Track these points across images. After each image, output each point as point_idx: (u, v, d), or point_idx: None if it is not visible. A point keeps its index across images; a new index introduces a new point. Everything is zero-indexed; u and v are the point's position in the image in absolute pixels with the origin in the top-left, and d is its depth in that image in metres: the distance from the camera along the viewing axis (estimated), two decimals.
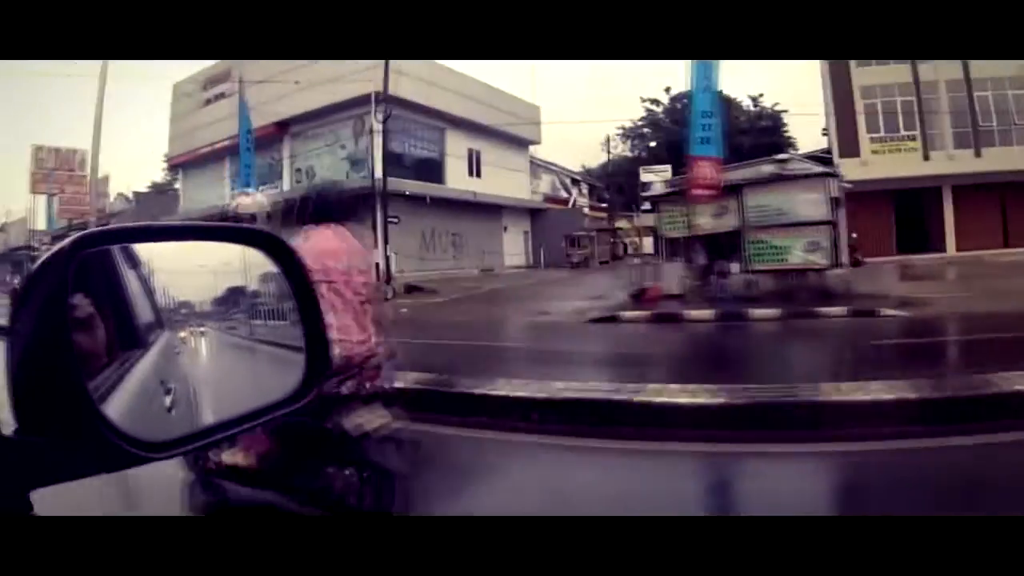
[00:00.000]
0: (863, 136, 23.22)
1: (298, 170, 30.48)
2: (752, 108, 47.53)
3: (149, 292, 0.94)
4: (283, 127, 29.66)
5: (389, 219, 20.68)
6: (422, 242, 27.23)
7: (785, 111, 45.53)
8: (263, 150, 30.82)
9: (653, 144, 45.34)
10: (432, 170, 29.14)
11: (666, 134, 46.23)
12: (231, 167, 32.34)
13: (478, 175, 31.82)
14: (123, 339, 0.88)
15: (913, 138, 23.33)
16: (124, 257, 0.90)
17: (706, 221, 14.58)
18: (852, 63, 23.43)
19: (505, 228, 33.75)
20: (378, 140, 25.30)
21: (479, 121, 30.75)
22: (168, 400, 0.92)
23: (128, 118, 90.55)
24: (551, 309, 14.31)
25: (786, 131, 46.92)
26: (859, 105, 23.35)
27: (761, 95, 47.16)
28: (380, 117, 20.77)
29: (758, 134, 46.12)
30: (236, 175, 32.62)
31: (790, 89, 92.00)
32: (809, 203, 14.06)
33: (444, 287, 21.30)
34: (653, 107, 50.17)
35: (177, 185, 42.49)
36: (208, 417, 0.94)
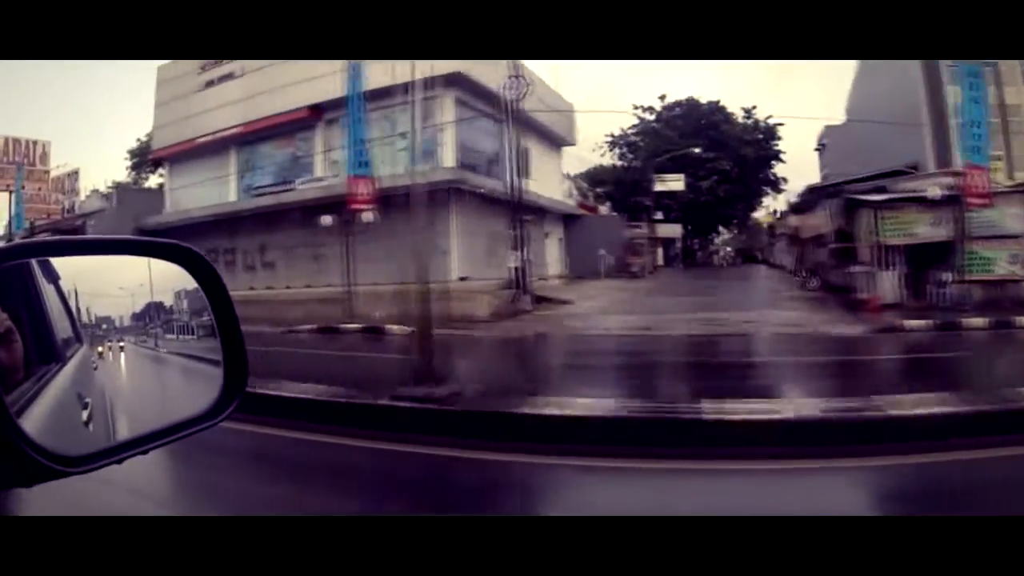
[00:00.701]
0: (955, 155, 24.09)
1: (335, 162, 25.70)
2: (747, 120, 48.87)
3: (67, 306, 0.96)
4: (317, 112, 25.39)
5: (525, 218, 19.04)
6: (488, 246, 25.54)
7: (781, 124, 47.07)
8: (285, 139, 27.45)
9: (656, 152, 45.64)
10: (493, 166, 27.43)
11: (666, 143, 46.55)
12: (239, 159, 28.72)
13: (527, 175, 30.38)
14: (41, 353, 0.90)
15: (999, 158, 24.48)
16: (43, 271, 0.92)
17: (924, 230, 14.53)
18: (945, 81, 24.31)
19: (546, 234, 32.54)
20: (453, 129, 23.39)
21: (534, 114, 28.94)
22: (85, 414, 0.93)
23: (99, 105, 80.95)
24: (766, 320, 13.59)
25: (777, 144, 48.60)
26: (951, 122, 24.21)
27: (754, 107, 48.54)
28: (514, 94, 19.15)
29: (757, 146, 47.52)
30: (248, 168, 28.66)
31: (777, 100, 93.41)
32: (1019, 217, 14.34)
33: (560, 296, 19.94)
34: (646, 115, 50.46)
35: (148, 184, 38.76)
36: (124, 431, 0.96)
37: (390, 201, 22.58)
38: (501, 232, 26.37)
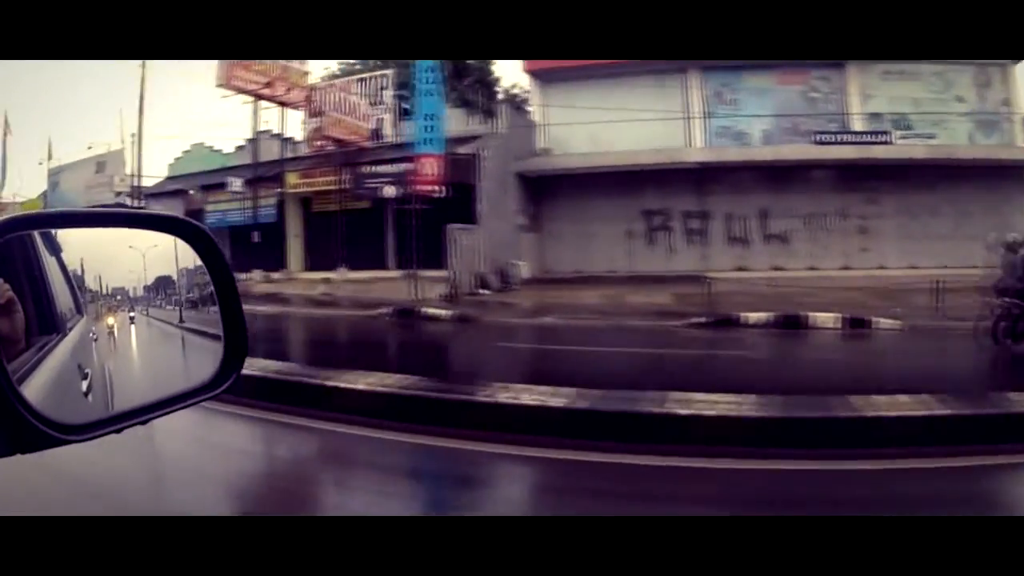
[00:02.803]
0: None
1: (875, 115, 20.88)
2: None
3: (69, 278, 0.98)
4: None
5: None
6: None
7: None
8: (793, 73, 21.11)
9: None
10: None
11: None
12: (706, 89, 21.36)
13: None
14: (42, 324, 0.92)
15: None
16: (45, 242, 0.95)
17: None
18: None
19: None
20: None
21: None
22: (85, 384, 0.96)
23: None
24: None
25: None
26: None
27: None
28: None
29: None
30: (721, 101, 21.54)
31: None
32: None
33: None
34: None
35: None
36: (122, 402, 0.97)
37: (942, 173, 19.34)
38: None
